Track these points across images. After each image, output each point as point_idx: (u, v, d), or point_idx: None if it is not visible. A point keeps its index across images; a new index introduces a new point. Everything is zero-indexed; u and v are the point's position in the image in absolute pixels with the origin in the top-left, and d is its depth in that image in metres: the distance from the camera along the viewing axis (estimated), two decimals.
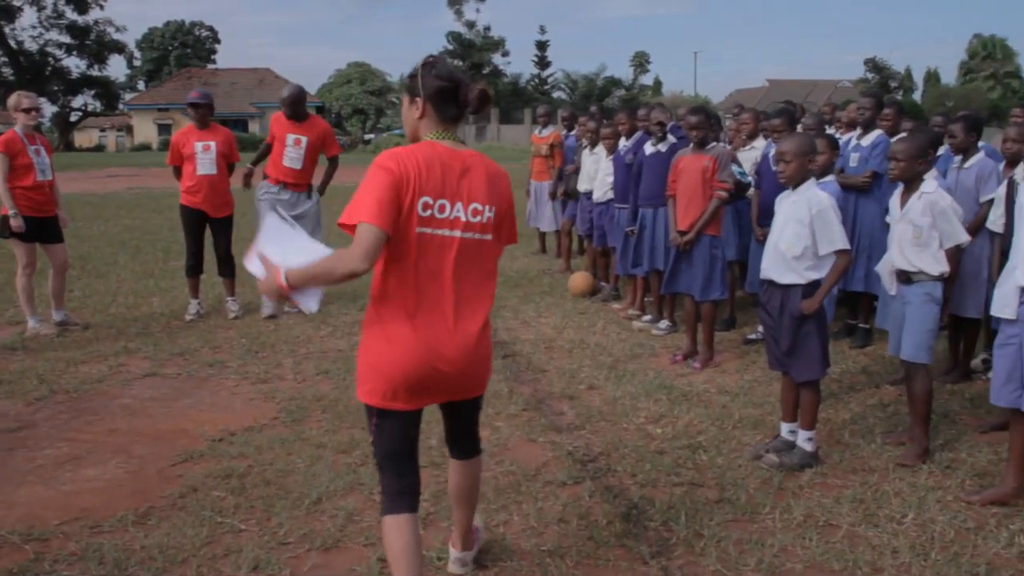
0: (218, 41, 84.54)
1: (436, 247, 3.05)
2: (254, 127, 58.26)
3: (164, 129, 59.52)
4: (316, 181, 8.56)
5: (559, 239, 11.09)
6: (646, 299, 8.19)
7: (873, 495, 4.44)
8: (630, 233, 7.76)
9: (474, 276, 3.15)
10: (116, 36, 67.97)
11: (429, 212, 3.02)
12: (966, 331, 6.39)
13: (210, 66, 75.33)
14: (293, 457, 4.93)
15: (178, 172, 8.27)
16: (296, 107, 8.16)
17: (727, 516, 4.22)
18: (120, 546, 3.91)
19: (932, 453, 4.93)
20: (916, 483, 4.58)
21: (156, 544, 3.92)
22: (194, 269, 8.31)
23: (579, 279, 9.29)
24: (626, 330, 7.82)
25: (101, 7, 65.52)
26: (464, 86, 3.13)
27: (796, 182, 4.77)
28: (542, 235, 12.14)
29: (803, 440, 4.83)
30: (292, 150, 8.17)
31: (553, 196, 10.95)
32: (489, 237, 3.16)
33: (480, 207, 3.11)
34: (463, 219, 3.08)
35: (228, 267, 8.40)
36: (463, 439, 3.59)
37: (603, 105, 10.21)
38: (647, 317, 7.98)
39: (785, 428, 4.97)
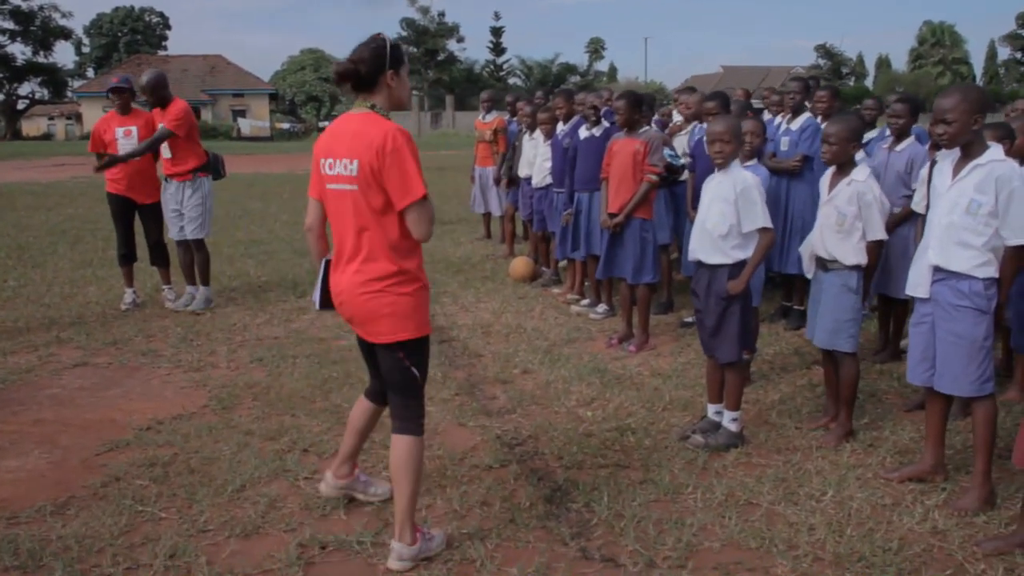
0: (169, 27, 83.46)
1: (331, 198, 3.62)
2: (206, 114, 57.55)
3: None
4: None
5: (502, 224, 11.08)
6: (585, 284, 8.21)
7: (795, 474, 4.50)
8: (566, 217, 7.78)
9: (354, 223, 3.53)
10: (62, 22, 66.83)
11: (325, 171, 3.60)
12: (895, 311, 6.49)
13: (161, 52, 74.28)
14: (220, 445, 4.90)
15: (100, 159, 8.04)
16: (156, 93, 7.79)
17: (650, 496, 4.25)
18: (36, 536, 3.86)
19: (856, 432, 5.00)
20: (838, 461, 4.65)
21: (73, 534, 3.87)
22: (125, 258, 8.18)
23: (519, 264, 9.30)
24: (564, 315, 7.85)
25: None
26: None
27: (728, 163, 4.81)
28: (487, 220, 12.14)
29: (728, 421, 4.89)
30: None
31: (497, 181, 10.94)
32: (356, 188, 3.49)
33: (348, 161, 3.50)
34: (340, 173, 3.53)
35: (160, 255, 8.25)
36: (387, 395, 3.83)
37: (552, 90, 10.14)
38: (585, 301, 8.01)
39: (711, 409, 5.02)
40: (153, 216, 8.15)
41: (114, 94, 7.95)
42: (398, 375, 3.67)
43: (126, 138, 7.90)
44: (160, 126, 7.73)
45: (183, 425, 5.21)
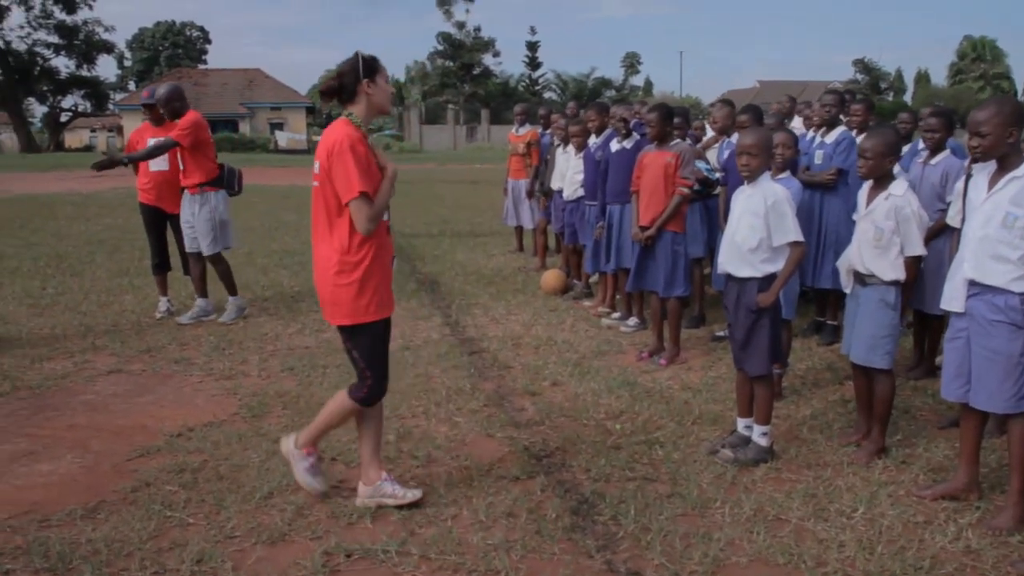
0: (209, 41, 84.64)
1: (312, 194, 4.11)
2: (244, 127, 58.15)
3: None
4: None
5: (535, 237, 11.08)
6: (616, 297, 8.18)
7: (825, 490, 4.44)
8: (599, 231, 7.77)
9: (321, 215, 4.07)
10: (105, 36, 67.83)
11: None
12: (931, 327, 6.40)
13: (200, 66, 75.20)
14: (249, 452, 4.93)
15: (136, 170, 8.23)
16: (171, 105, 7.88)
17: (677, 510, 4.22)
18: (66, 540, 3.90)
19: (889, 449, 4.93)
20: (870, 478, 4.59)
21: (102, 538, 3.91)
22: (159, 267, 8.32)
23: (551, 277, 9.30)
24: (595, 327, 7.82)
25: (90, 7, 65.40)
26: None
27: (757, 176, 4.78)
28: (519, 233, 12.15)
29: (758, 435, 4.84)
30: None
31: (530, 195, 10.95)
32: (319, 184, 4.04)
33: (316, 163, 4.06)
34: (314, 172, 4.08)
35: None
36: None
37: (583, 103, 10.16)
38: (616, 315, 7.98)
39: (741, 423, 4.98)
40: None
41: (147, 110, 8.19)
42: (346, 354, 4.29)
43: None
44: (172, 138, 7.77)
45: (213, 432, 5.25)
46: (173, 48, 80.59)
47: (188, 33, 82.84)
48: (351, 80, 4.07)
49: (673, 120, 6.76)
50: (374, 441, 4.33)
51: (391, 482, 4.28)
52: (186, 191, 7.96)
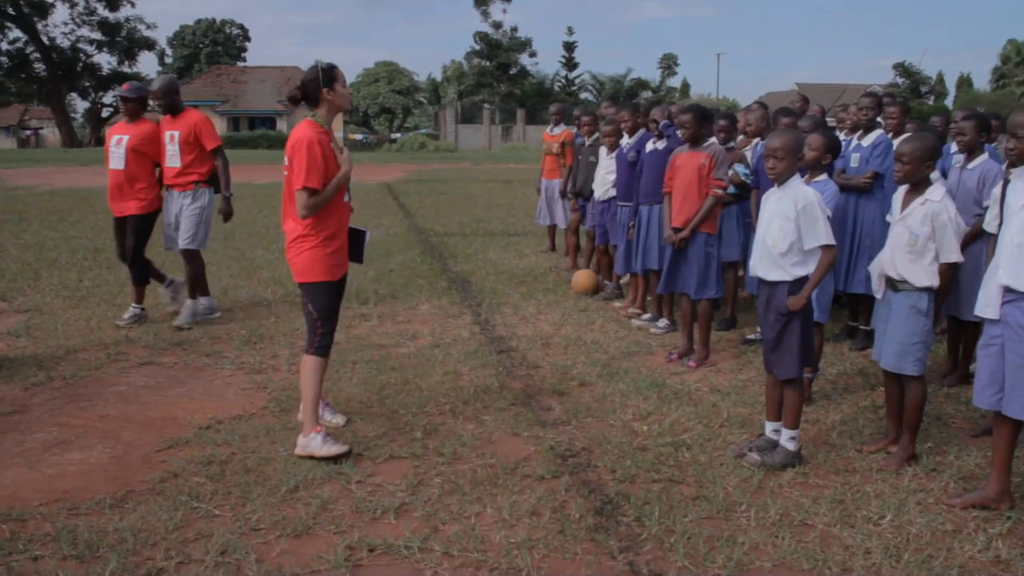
0: (248, 39, 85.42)
1: (284, 180, 4.92)
2: (282, 125, 58.64)
3: None
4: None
5: (566, 237, 11.06)
6: (647, 298, 8.15)
7: (853, 496, 4.39)
8: (630, 230, 7.74)
9: (288, 200, 4.89)
10: (147, 33, 68.58)
11: None
12: (966, 333, 6.31)
13: (240, 64, 75.94)
14: (277, 446, 4.96)
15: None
16: (168, 99, 7.60)
17: (702, 513, 4.19)
18: (94, 528, 3.95)
19: (919, 456, 4.87)
20: (899, 485, 4.53)
21: (129, 527, 3.95)
22: (138, 278, 7.88)
23: (582, 277, 9.27)
24: (625, 328, 7.79)
25: (132, 4, 66.43)
26: None
27: (785, 179, 4.73)
28: (552, 233, 12.13)
29: (786, 439, 4.79)
30: (169, 147, 7.63)
31: (563, 194, 10.93)
32: (287, 174, 4.84)
33: (285, 156, 4.85)
34: (284, 164, 4.86)
35: (134, 272, 7.84)
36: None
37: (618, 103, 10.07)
38: (647, 316, 7.95)
39: (769, 427, 4.93)
40: (128, 228, 7.72)
41: (122, 103, 7.75)
42: (304, 309, 4.97)
43: (116, 146, 7.62)
44: (215, 152, 7.65)
45: (242, 425, 5.30)
46: (213, 45, 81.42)
47: (228, 31, 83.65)
48: (313, 88, 4.86)
49: (709, 121, 6.70)
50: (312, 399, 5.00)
51: (327, 409, 5.30)
52: (173, 189, 7.65)
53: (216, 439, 5.06)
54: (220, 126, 59.88)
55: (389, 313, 8.30)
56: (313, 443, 4.78)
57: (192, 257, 7.77)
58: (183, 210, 7.63)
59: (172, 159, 7.62)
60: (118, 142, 7.63)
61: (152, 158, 7.72)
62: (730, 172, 6.98)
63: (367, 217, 16.04)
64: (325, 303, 4.93)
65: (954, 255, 4.65)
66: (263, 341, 7.23)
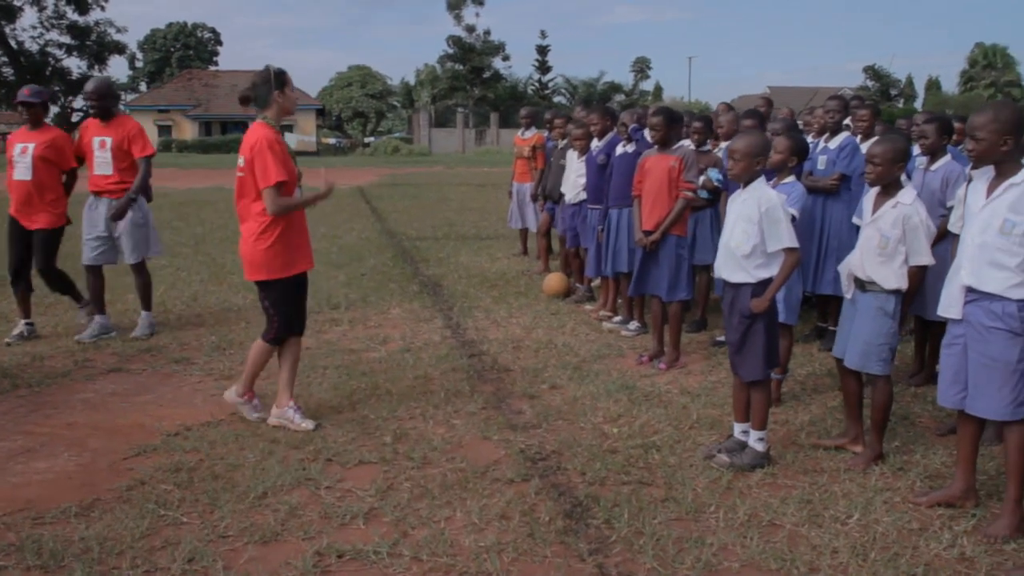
0: (220, 43, 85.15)
1: (236, 180, 5.18)
2: None
3: (164, 131, 59.69)
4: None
5: (537, 240, 11.07)
6: (618, 301, 8.17)
7: (821, 496, 4.42)
8: (599, 233, 7.77)
9: (244, 200, 5.16)
10: (117, 37, 67.97)
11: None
12: (932, 334, 6.36)
13: (212, 67, 75.53)
14: (245, 452, 4.93)
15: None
16: (102, 102, 7.22)
17: (671, 515, 4.21)
18: (60, 537, 3.91)
19: (886, 455, 4.91)
20: (866, 484, 4.57)
21: (95, 536, 3.92)
22: (12, 283, 7.47)
23: (554, 280, 9.29)
24: (596, 331, 7.81)
25: (102, 8, 65.47)
26: None
27: (746, 180, 4.76)
28: (524, 236, 12.15)
29: (754, 440, 4.82)
30: (99, 154, 7.18)
31: (534, 198, 10.95)
32: (243, 174, 5.08)
33: (241, 156, 5.10)
34: (239, 164, 5.12)
35: (51, 284, 7.58)
36: None
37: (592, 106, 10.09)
38: (618, 318, 7.97)
39: (738, 428, 4.96)
40: (36, 242, 7.35)
41: (24, 108, 7.22)
42: (261, 304, 5.32)
43: (22, 156, 7.16)
44: (141, 160, 7.25)
45: (211, 432, 5.26)
46: (185, 49, 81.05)
47: (200, 34, 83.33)
48: (265, 91, 5.09)
49: (677, 124, 6.74)
50: (289, 374, 5.43)
51: (295, 410, 5.35)
52: (103, 197, 7.27)
53: (184, 446, 5.03)
54: (192, 130, 59.59)
55: (360, 318, 8.27)
56: (245, 407, 5.44)
57: (140, 270, 7.54)
58: (122, 224, 7.27)
59: (103, 167, 7.20)
60: (22, 151, 7.15)
61: (59, 167, 7.32)
62: (702, 178, 7.01)
63: (339, 221, 16.02)
64: (281, 298, 5.25)
65: (925, 258, 4.70)
66: (233, 347, 7.19)
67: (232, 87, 61.08)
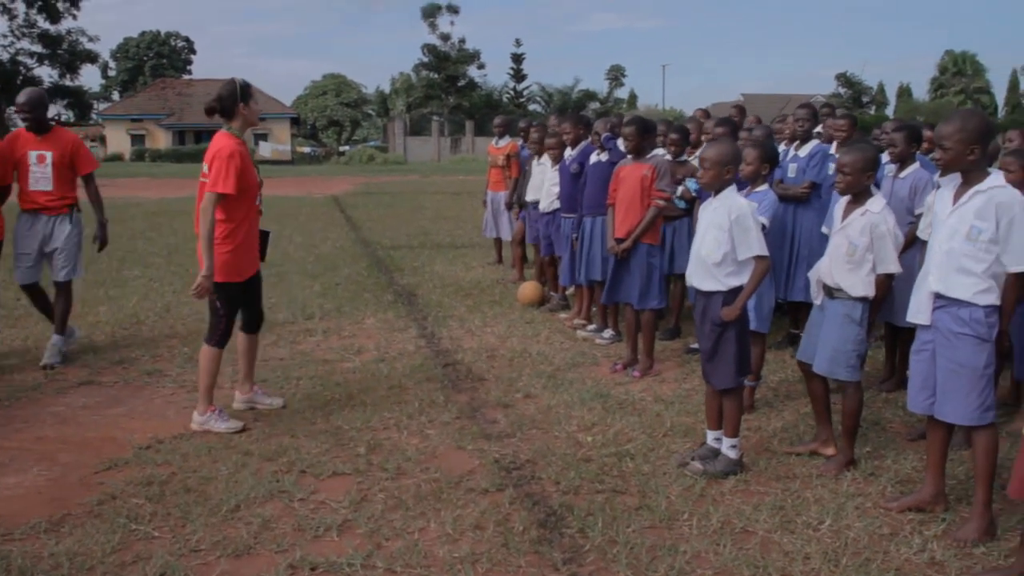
0: (194, 52, 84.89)
1: (198, 186, 5.38)
2: None
3: (137, 140, 59.27)
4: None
5: (512, 249, 11.08)
6: (592, 309, 8.19)
7: (793, 502, 4.45)
8: (573, 241, 7.79)
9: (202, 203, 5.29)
10: (89, 46, 67.66)
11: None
12: (902, 340, 6.42)
13: (186, 76, 75.12)
14: (218, 464, 4.90)
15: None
16: (35, 113, 6.84)
17: (644, 523, 4.22)
18: (29, 553, 3.86)
19: (858, 460, 4.95)
20: (837, 490, 4.60)
21: (65, 551, 3.87)
22: None
23: (528, 288, 9.30)
24: (570, 339, 7.82)
25: (74, 16, 65.22)
26: None
27: (716, 189, 4.80)
28: (499, 245, 12.15)
29: (727, 448, 4.85)
30: (36, 168, 6.84)
31: (509, 206, 10.96)
32: (206, 180, 5.26)
33: (204, 164, 5.34)
34: (203, 171, 5.34)
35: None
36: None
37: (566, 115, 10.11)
38: (592, 327, 7.99)
39: (711, 436, 4.98)
40: None
41: None
42: (209, 304, 5.47)
43: None
44: (90, 175, 7.09)
45: (183, 444, 5.22)
46: (158, 58, 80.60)
47: (173, 43, 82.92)
48: (230, 103, 5.29)
49: (650, 133, 6.77)
50: (248, 366, 5.87)
51: (263, 394, 5.86)
52: (41, 214, 6.95)
53: (156, 459, 4.99)
54: (165, 139, 59.19)
55: (334, 328, 8.25)
56: (211, 421, 5.45)
57: (68, 289, 7.22)
58: (60, 238, 7.00)
59: (42, 182, 6.86)
60: None
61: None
62: (680, 188, 7.06)
63: (314, 230, 15.98)
64: (232, 301, 5.51)
65: (892, 266, 4.74)
66: None
67: (206, 96, 60.06)
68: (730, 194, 4.81)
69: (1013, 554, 3.83)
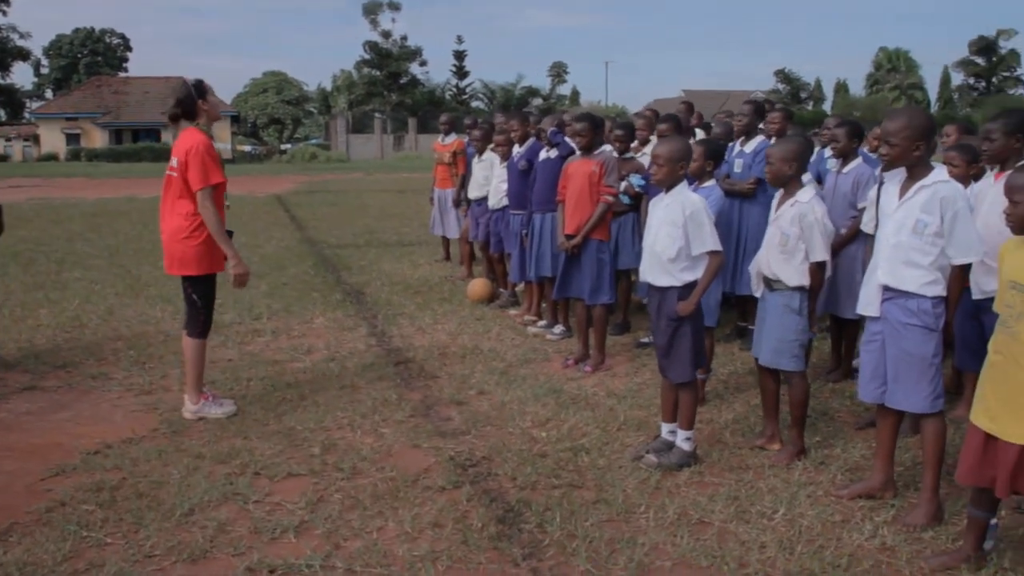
0: (130, 49, 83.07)
1: (165, 180, 5.51)
2: (166, 136, 56.96)
3: (73, 139, 57.93)
4: None
5: (460, 246, 11.07)
6: (543, 305, 8.22)
7: (747, 492, 4.52)
8: (523, 238, 7.80)
9: (172, 196, 5.47)
10: (21, 43, 66.11)
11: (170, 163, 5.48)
12: (847, 331, 6.55)
13: (122, 74, 73.64)
14: (169, 468, 4.82)
15: None
16: None
17: (602, 516, 4.25)
18: None
19: (808, 450, 5.03)
20: (789, 479, 4.68)
21: (14, 561, 3.79)
22: None
23: (478, 285, 9.30)
24: (521, 336, 7.84)
25: (4, 12, 63.65)
26: None
27: (668, 185, 4.84)
28: (446, 242, 12.13)
29: (682, 440, 4.90)
30: None
31: (456, 203, 10.95)
32: (175, 175, 5.41)
33: (175, 158, 5.41)
34: (171, 164, 5.45)
35: None
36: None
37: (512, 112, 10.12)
38: (542, 323, 8.01)
39: (665, 428, 5.03)
40: None
41: None
42: (187, 299, 5.59)
43: None
44: None
45: (132, 449, 5.13)
46: (92, 55, 78.83)
47: (108, 40, 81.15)
48: (190, 103, 5.43)
49: (600, 129, 6.81)
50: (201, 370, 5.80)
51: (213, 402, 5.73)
52: None
53: (105, 464, 4.89)
54: (102, 139, 57.98)
55: (283, 328, 8.16)
56: (206, 408, 5.62)
57: None
58: None
59: None
60: None
61: None
62: (624, 184, 7.10)
63: (257, 229, 15.78)
64: (210, 292, 5.64)
65: (821, 254, 4.83)
66: (153, 361, 7.02)
67: (144, 94, 59.70)
68: (683, 190, 4.85)
69: (960, 537, 3.93)
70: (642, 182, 7.14)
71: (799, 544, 3.96)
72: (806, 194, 4.87)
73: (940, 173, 4.15)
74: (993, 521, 3.75)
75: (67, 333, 7.93)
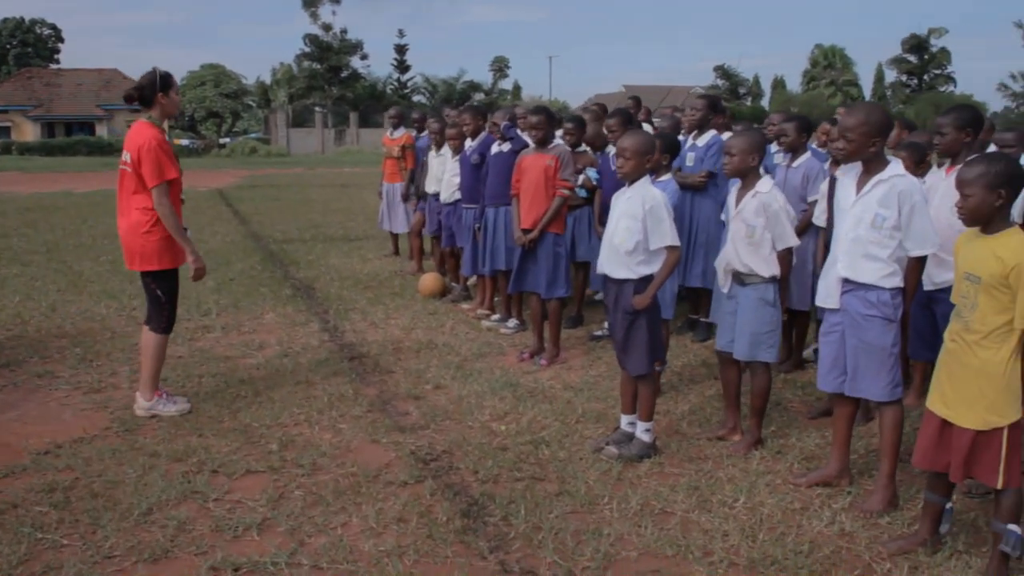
0: (62, 40, 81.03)
1: (119, 175, 5.44)
2: (101, 130, 55.87)
3: (2, 132, 56.36)
4: None
5: (410, 240, 11.01)
6: (495, 299, 8.22)
7: (707, 482, 4.58)
8: (476, 232, 7.80)
9: (127, 192, 5.39)
10: None
11: (122, 157, 5.41)
12: (798, 322, 6.66)
13: (53, 66, 71.83)
14: (124, 467, 4.73)
15: None
16: None
17: (566, 508, 4.27)
18: None
19: (764, 440, 5.11)
20: (748, 469, 4.75)
21: None
22: None
23: (429, 280, 9.26)
24: (475, 330, 7.83)
25: None
26: None
27: (633, 179, 4.87)
28: (395, 237, 12.06)
29: (641, 431, 4.94)
30: None
31: (405, 198, 10.90)
32: (129, 170, 5.32)
33: (127, 153, 5.32)
34: (124, 159, 5.36)
35: None
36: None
37: (457, 107, 10.09)
38: (496, 316, 8.01)
39: (624, 420, 5.07)
40: None
41: None
42: (150, 294, 5.54)
43: None
44: None
45: (84, 448, 5.02)
46: (22, 46, 76.73)
47: (39, 31, 79.04)
48: (150, 92, 5.33)
49: (555, 123, 6.83)
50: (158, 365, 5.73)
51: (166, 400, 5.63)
52: None
53: (57, 464, 4.78)
54: (33, 132, 56.53)
55: (233, 324, 8.05)
56: (159, 405, 5.55)
57: None
58: None
59: None
60: None
61: None
62: (581, 177, 7.13)
63: (201, 224, 15.49)
64: (174, 287, 5.59)
65: (791, 240, 4.93)
66: (100, 358, 6.88)
67: (77, 86, 58.40)
68: (645, 184, 4.89)
69: (916, 522, 4.03)
70: (598, 175, 7.17)
71: (761, 532, 4.02)
72: (766, 184, 4.94)
73: (896, 167, 4.23)
74: (948, 505, 3.84)
75: (9, 331, 7.73)
